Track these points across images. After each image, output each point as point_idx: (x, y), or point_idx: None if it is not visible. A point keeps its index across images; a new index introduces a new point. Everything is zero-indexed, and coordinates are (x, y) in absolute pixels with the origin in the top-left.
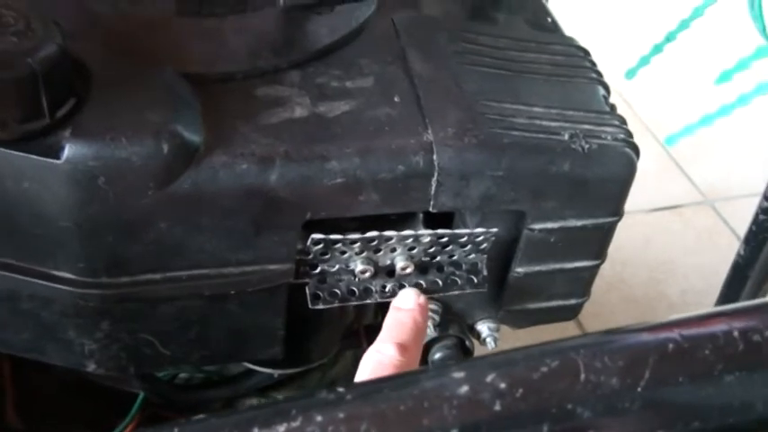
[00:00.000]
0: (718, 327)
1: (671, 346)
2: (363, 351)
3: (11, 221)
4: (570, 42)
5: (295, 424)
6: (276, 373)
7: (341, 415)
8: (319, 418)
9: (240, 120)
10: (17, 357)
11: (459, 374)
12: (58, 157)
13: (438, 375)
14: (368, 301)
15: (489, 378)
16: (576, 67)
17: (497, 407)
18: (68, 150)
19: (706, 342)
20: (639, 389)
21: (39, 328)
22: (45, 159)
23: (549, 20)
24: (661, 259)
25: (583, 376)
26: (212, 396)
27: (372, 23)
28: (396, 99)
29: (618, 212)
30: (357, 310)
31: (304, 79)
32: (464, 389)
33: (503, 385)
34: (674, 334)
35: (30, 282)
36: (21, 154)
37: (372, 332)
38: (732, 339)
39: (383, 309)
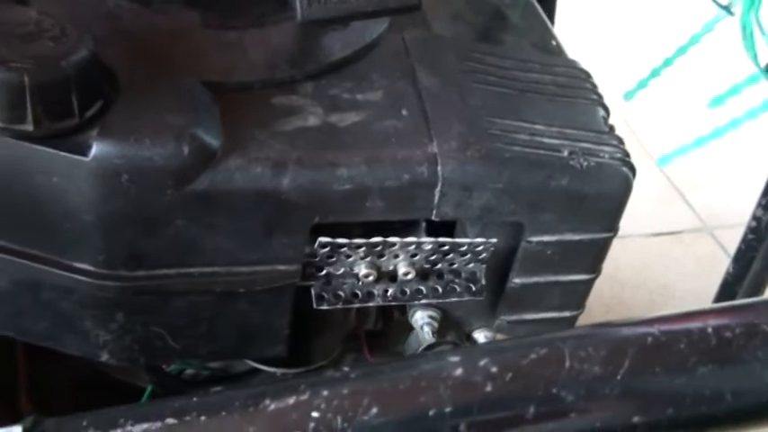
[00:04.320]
0: (694, 323)
1: (650, 339)
2: (363, 355)
3: (39, 214)
4: (573, 65)
5: (303, 397)
6: (279, 372)
7: (345, 391)
8: (325, 393)
9: (256, 126)
10: (31, 348)
11: (454, 358)
12: (85, 155)
13: (435, 359)
14: (370, 304)
15: (482, 362)
16: (577, 88)
17: (488, 388)
18: (95, 149)
19: (682, 337)
20: (619, 377)
21: (57, 318)
22: (73, 156)
23: (554, 43)
24: (660, 283)
25: (567, 363)
26: None
27: (384, 40)
28: (403, 112)
29: (613, 228)
30: (359, 315)
31: (317, 90)
32: (459, 371)
33: (494, 369)
34: (653, 329)
35: (52, 272)
36: (51, 150)
37: (373, 337)
38: (706, 335)
39: (384, 314)
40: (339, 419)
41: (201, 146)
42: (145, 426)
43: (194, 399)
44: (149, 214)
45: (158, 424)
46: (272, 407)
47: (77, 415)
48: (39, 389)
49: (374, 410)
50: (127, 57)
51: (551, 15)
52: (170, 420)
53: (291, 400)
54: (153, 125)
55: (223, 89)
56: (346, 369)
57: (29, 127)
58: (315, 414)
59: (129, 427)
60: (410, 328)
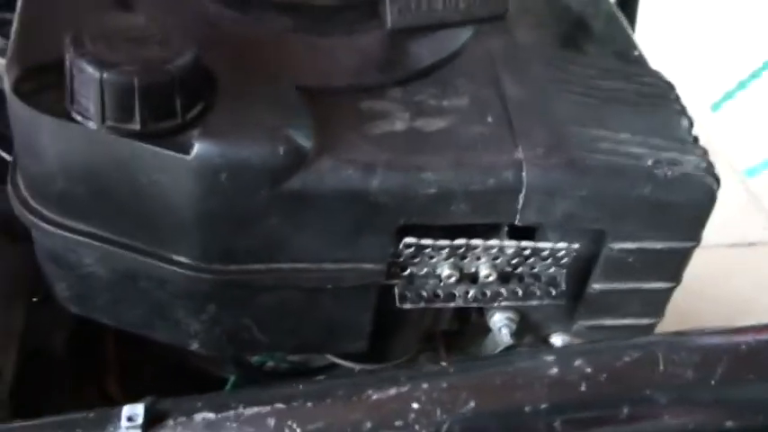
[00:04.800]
0: None
1: (744, 347)
2: (439, 354)
3: (140, 208)
4: (656, 75)
5: (404, 389)
6: (358, 367)
7: (444, 384)
8: (425, 386)
9: (346, 129)
10: (121, 336)
11: (549, 358)
12: (187, 154)
13: (531, 357)
14: (451, 305)
15: (577, 362)
16: (660, 97)
17: (583, 388)
18: (197, 148)
19: None
20: (713, 382)
21: (152, 307)
22: (176, 155)
23: (636, 53)
24: (738, 295)
25: (661, 367)
26: None
27: (470, 48)
28: (488, 118)
29: (696, 238)
30: (436, 315)
31: (405, 96)
32: (554, 370)
33: (589, 369)
34: (747, 337)
35: (149, 263)
36: (155, 148)
37: (448, 337)
38: None
39: (461, 315)
40: (438, 411)
41: (295, 147)
42: (256, 409)
43: (300, 386)
44: (245, 211)
45: (268, 408)
46: (375, 397)
47: (192, 396)
48: (127, 375)
49: (472, 404)
50: (226, 61)
51: (632, 24)
52: (279, 405)
53: (393, 392)
54: (250, 127)
55: (314, 93)
56: (445, 364)
57: (136, 126)
58: (415, 405)
59: (240, 410)
60: (486, 330)
